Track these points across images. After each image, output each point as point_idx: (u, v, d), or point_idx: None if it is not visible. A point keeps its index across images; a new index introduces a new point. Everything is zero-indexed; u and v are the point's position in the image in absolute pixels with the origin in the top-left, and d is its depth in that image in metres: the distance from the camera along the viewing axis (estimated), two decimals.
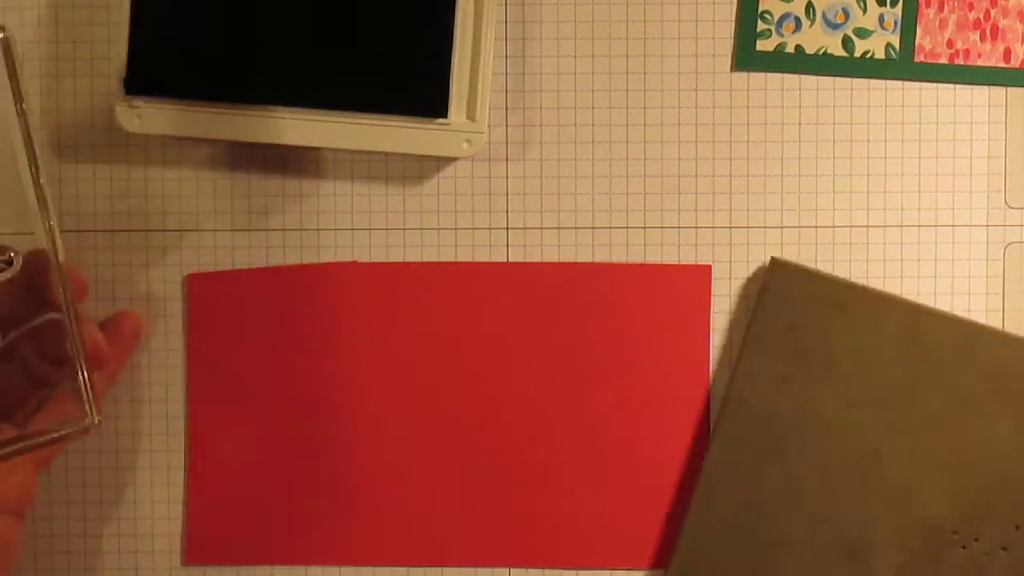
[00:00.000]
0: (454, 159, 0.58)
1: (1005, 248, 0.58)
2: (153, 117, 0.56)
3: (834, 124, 0.58)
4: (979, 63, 0.57)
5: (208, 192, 0.59)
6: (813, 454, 0.57)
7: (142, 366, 0.59)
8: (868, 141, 0.58)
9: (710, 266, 0.58)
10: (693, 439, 0.58)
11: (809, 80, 0.57)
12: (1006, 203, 0.58)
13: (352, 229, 0.58)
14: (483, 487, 0.58)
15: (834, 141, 0.58)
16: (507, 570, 0.59)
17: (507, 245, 0.58)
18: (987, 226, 0.58)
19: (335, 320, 0.58)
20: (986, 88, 0.57)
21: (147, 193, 0.59)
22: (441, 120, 0.55)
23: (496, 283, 0.58)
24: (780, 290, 0.57)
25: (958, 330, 0.56)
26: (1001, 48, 0.57)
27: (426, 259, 0.58)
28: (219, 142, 0.58)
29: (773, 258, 0.57)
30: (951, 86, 0.57)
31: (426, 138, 0.56)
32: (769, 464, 0.57)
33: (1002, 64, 0.57)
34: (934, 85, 0.57)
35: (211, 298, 0.58)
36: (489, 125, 0.57)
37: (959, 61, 0.57)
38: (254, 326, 0.58)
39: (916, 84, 0.57)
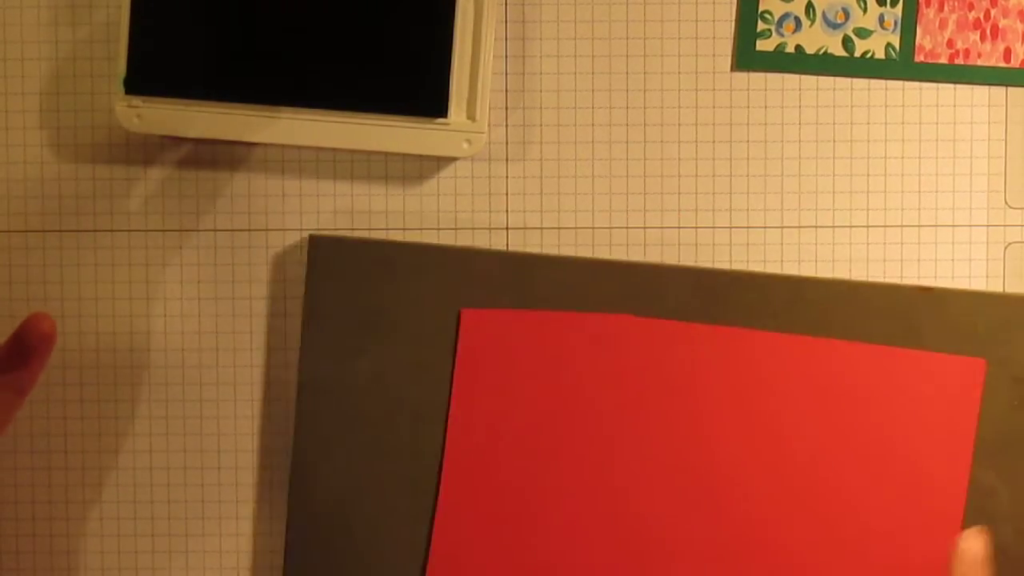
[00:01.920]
0: (454, 159, 0.58)
1: (1005, 248, 0.58)
2: (153, 117, 0.56)
3: (834, 124, 0.58)
4: (979, 63, 0.57)
5: (208, 192, 0.59)
6: (396, 416, 0.57)
7: (154, 366, 0.59)
8: (868, 141, 0.58)
9: (983, 362, 0.55)
10: (941, 535, 0.56)
11: (809, 80, 0.57)
12: (1006, 203, 0.58)
13: (352, 229, 0.58)
14: (719, 559, 0.56)
15: (834, 141, 0.58)
16: None
17: (507, 245, 0.58)
18: (987, 226, 0.58)
19: (605, 373, 0.57)
20: (986, 88, 0.57)
21: (147, 193, 0.59)
22: (441, 120, 0.55)
23: (760, 353, 0.56)
24: (325, 264, 0.57)
25: (509, 263, 0.57)
26: (1001, 48, 0.57)
27: None
28: (219, 142, 0.58)
29: (311, 235, 0.57)
30: (951, 86, 0.57)
31: (426, 138, 0.56)
32: (353, 438, 0.57)
33: (1002, 64, 0.57)
34: (934, 85, 0.57)
35: (483, 336, 0.57)
36: (489, 125, 0.57)
37: (959, 61, 0.57)
38: (524, 368, 0.57)
39: (916, 84, 0.57)
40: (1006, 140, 0.57)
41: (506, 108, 0.58)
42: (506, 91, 0.58)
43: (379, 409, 0.57)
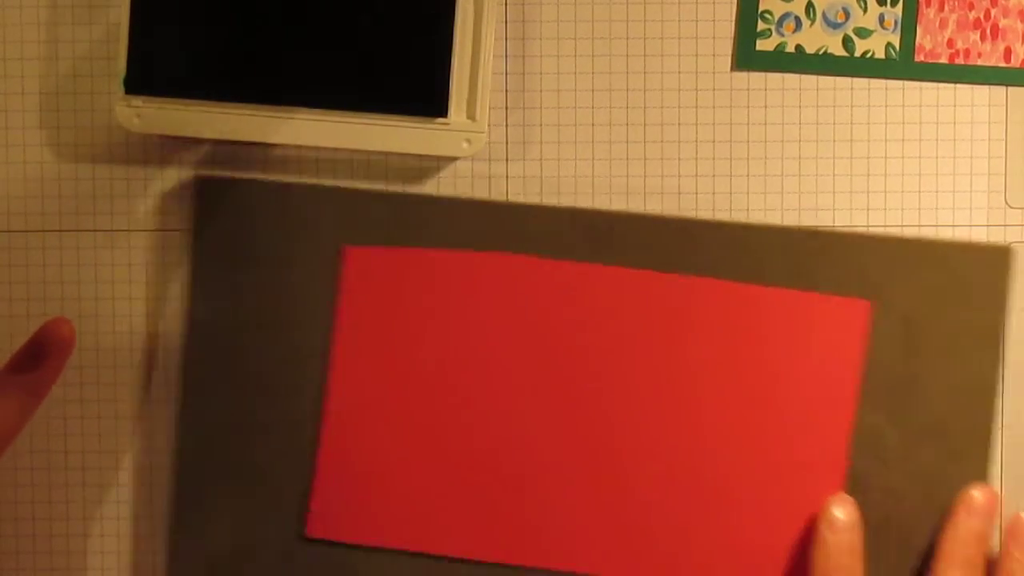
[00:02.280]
0: (454, 159, 0.58)
1: None
2: (153, 117, 0.56)
3: (834, 124, 0.58)
4: (979, 63, 0.57)
5: None
6: (285, 356, 0.57)
7: (154, 366, 0.59)
8: (868, 141, 0.58)
9: (868, 303, 0.56)
10: (827, 477, 0.56)
11: (809, 80, 0.57)
12: (1006, 203, 0.58)
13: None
14: (603, 497, 0.57)
15: (834, 141, 0.58)
16: None
17: None
18: (987, 226, 0.58)
19: (484, 311, 0.57)
20: (986, 88, 0.57)
21: (146, 193, 0.59)
22: (441, 120, 0.55)
23: (651, 293, 0.56)
24: (212, 205, 0.57)
25: (399, 203, 0.57)
26: (1001, 48, 0.57)
27: None
28: (219, 142, 0.58)
29: (196, 175, 0.57)
30: (951, 86, 0.57)
31: (426, 138, 0.56)
32: (240, 378, 0.57)
33: (1002, 64, 0.57)
34: (934, 85, 0.57)
35: (366, 274, 0.57)
36: (489, 125, 0.57)
37: (959, 61, 0.57)
38: (407, 307, 0.57)
39: (916, 84, 0.57)
40: (1006, 140, 0.57)
41: (506, 108, 0.58)
42: (506, 91, 0.58)
43: (267, 349, 0.57)
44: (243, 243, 0.57)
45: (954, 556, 0.55)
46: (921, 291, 0.56)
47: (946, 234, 0.58)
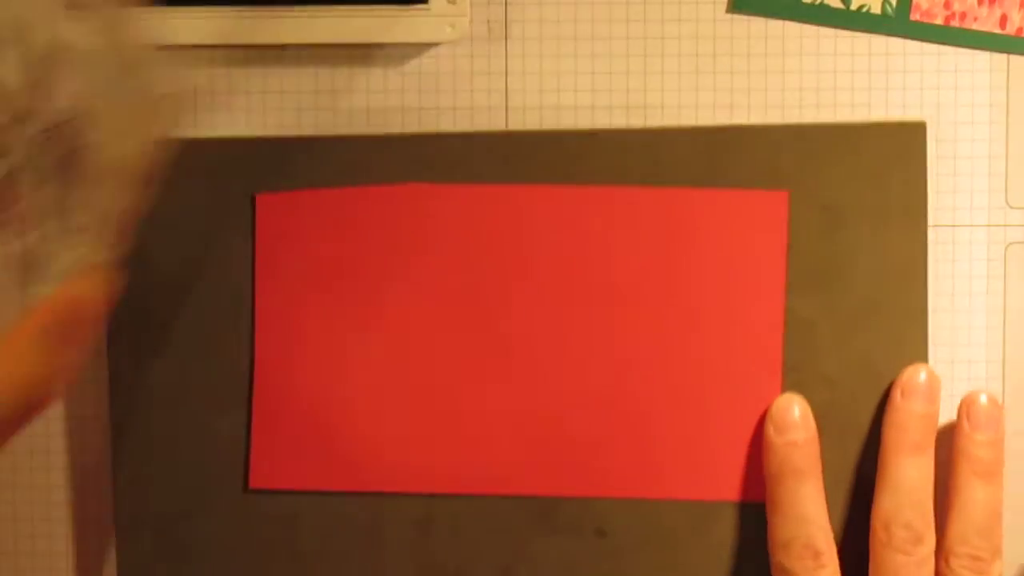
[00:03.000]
0: (437, 44, 0.57)
1: (1005, 248, 0.58)
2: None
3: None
4: (974, 27, 0.56)
5: None
6: (206, 309, 0.57)
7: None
8: None
9: (787, 193, 0.55)
10: (764, 371, 0.56)
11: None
12: (1006, 203, 0.57)
13: None
14: (551, 418, 0.56)
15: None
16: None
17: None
18: (987, 226, 0.58)
19: (406, 244, 0.56)
20: (987, 89, 0.57)
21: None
22: (420, 5, 0.55)
23: (568, 208, 0.56)
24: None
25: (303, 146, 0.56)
26: (997, 14, 0.56)
27: None
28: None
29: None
30: (951, 85, 0.57)
31: (406, 25, 0.55)
32: (171, 337, 0.57)
33: (997, 30, 0.56)
34: (935, 84, 0.57)
35: (281, 219, 0.56)
36: (471, 6, 0.57)
37: (955, 23, 0.56)
38: (325, 248, 0.56)
39: (916, 83, 0.57)
40: (1006, 140, 0.57)
41: (506, 109, 0.57)
42: (506, 91, 0.57)
43: (193, 309, 0.57)
44: (158, 204, 0.55)
45: (900, 442, 0.53)
46: (838, 176, 0.55)
47: (946, 234, 0.57)
